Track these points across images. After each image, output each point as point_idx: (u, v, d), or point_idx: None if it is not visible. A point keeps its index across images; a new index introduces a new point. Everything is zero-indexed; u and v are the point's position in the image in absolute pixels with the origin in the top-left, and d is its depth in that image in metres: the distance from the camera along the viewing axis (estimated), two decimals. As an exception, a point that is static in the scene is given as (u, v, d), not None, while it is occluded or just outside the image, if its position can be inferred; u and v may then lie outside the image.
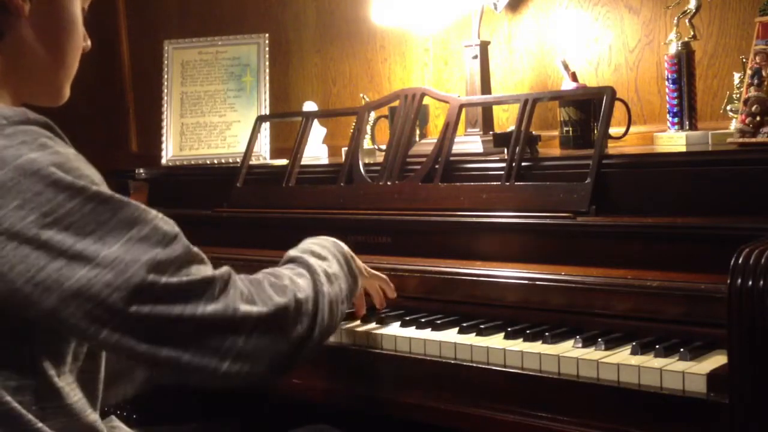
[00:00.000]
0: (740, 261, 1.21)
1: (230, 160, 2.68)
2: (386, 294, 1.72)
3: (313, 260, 1.41)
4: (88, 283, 1.08)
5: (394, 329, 1.66)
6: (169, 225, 1.16)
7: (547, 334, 1.50)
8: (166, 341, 1.13)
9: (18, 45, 1.24)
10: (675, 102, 1.98)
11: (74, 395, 1.19)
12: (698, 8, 2.00)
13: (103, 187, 1.13)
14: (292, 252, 1.46)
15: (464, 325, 1.61)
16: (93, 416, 1.23)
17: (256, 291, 1.22)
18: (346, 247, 1.54)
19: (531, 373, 1.43)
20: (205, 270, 1.17)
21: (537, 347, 1.47)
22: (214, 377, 1.16)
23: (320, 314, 1.30)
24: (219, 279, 1.17)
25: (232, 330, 1.16)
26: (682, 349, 1.36)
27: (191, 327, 1.13)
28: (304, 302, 1.27)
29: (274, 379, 1.24)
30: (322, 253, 1.46)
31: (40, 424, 1.13)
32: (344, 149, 2.19)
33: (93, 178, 1.13)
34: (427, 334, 1.60)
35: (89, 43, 1.36)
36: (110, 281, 1.08)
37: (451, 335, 1.59)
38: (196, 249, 1.18)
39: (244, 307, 1.17)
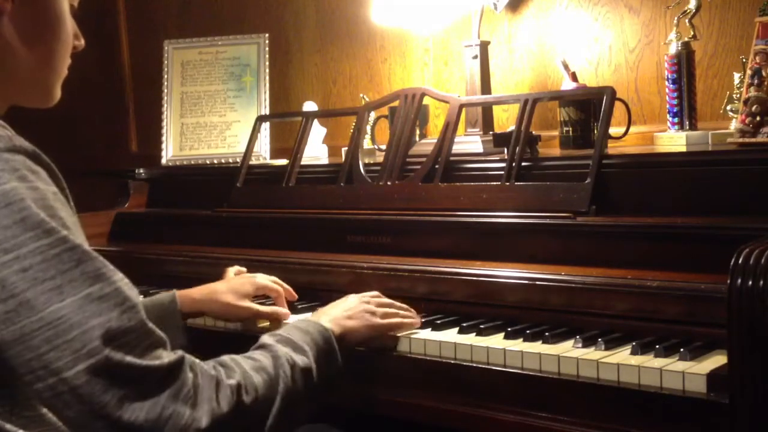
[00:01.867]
0: (740, 261, 1.21)
1: (230, 160, 2.68)
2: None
3: (283, 351, 1.31)
4: (30, 334, 1.02)
5: (394, 329, 1.66)
6: (132, 292, 1.09)
7: (547, 334, 1.50)
8: (92, 418, 1.04)
9: (0, 45, 1.18)
10: (675, 102, 1.98)
11: None
12: (698, 8, 2.00)
13: (74, 234, 1.07)
14: (267, 338, 1.35)
15: (464, 325, 1.61)
16: None
17: (201, 390, 1.11)
18: (330, 335, 1.43)
19: (531, 373, 1.43)
20: (156, 354, 1.08)
21: (537, 347, 1.46)
22: None
23: (271, 417, 1.22)
24: (167, 370, 1.08)
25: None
26: (682, 349, 1.35)
27: (120, 419, 1.04)
28: (251, 405, 1.17)
29: None
30: (299, 342, 1.35)
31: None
32: (344, 149, 2.19)
33: (66, 221, 1.07)
34: (427, 334, 1.60)
35: (83, 41, 1.29)
36: (50, 338, 1.02)
37: (451, 335, 1.59)
38: (152, 326, 1.09)
39: (181, 409, 1.07)
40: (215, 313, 1.77)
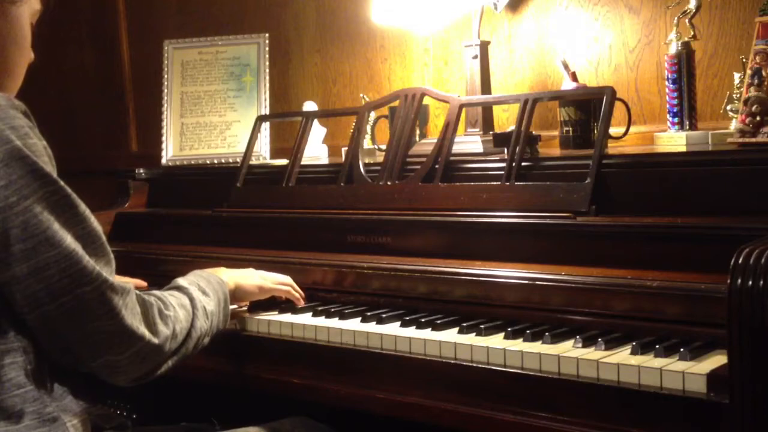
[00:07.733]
0: (740, 261, 1.21)
1: (230, 160, 2.68)
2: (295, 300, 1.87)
3: (197, 294, 1.56)
4: (45, 267, 1.21)
5: (395, 329, 1.66)
6: (100, 227, 1.31)
7: (547, 334, 1.50)
8: (93, 327, 1.27)
9: None
10: (675, 102, 1.98)
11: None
12: (698, 8, 2.00)
13: (64, 184, 1.26)
14: (181, 281, 1.60)
15: (464, 325, 1.61)
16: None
17: (146, 315, 1.35)
18: (226, 288, 1.68)
19: (531, 373, 1.43)
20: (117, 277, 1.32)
21: (537, 347, 1.46)
22: (86, 369, 1.33)
23: (185, 346, 1.46)
24: (131, 291, 1.32)
25: (126, 343, 1.31)
26: (682, 349, 1.35)
27: (112, 324, 1.28)
28: (179, 334, 1.43)
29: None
30: (206, 290, 1.60)
31: (30, 386, 1.24)
32: (344, 149, 2.19)
33: (54, 172, 1.26)
34: (428, 334, 1.60)
35: (32, 55, 1.41)
36: (65, 268, 1.22)
37: (451, 335, 1.59)
38: (112, 256, 1.33)
39: (141, 329, 1.32)
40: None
